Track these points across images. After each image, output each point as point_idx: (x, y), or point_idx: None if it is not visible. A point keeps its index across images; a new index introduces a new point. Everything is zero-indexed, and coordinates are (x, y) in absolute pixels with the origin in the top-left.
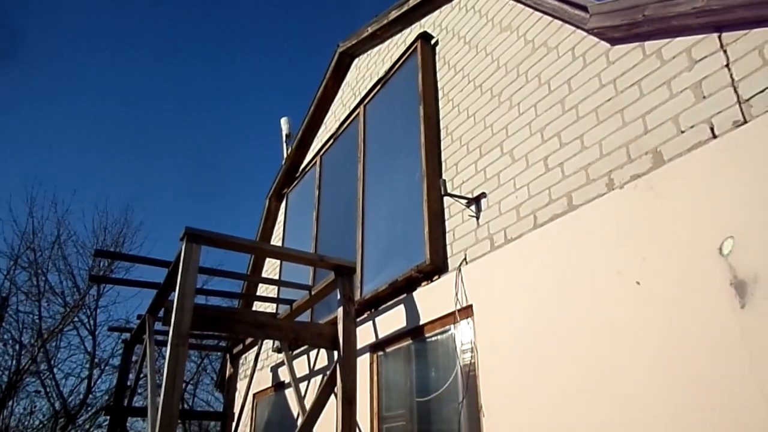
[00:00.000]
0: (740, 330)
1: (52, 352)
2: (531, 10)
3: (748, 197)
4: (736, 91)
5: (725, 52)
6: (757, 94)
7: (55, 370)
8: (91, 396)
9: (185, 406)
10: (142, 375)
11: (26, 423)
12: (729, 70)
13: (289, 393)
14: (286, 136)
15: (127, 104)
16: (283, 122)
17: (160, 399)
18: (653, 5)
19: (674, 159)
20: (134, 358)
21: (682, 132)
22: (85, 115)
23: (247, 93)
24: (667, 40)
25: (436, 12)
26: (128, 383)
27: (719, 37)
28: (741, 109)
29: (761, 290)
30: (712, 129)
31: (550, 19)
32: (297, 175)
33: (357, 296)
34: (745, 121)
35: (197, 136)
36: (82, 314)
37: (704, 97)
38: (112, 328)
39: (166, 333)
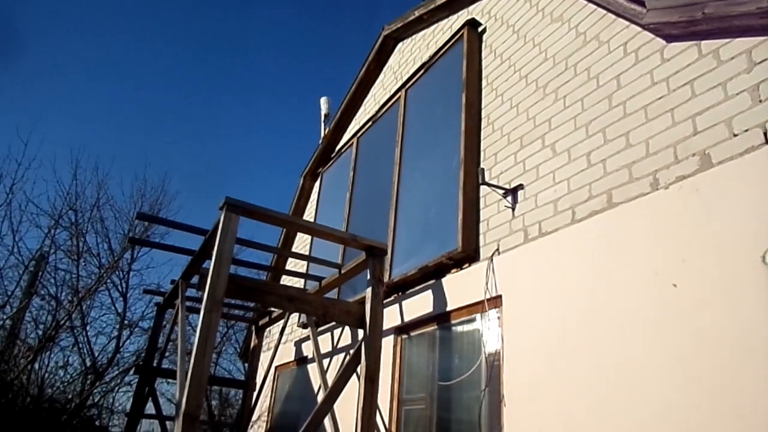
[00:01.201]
0: None
1: (86, 310)
2: (584, 2)
3: None
4: None
5: None
6: None
7: (87, 327)
8: (118, 356)
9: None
10: (171, 338)
11: (57, 377)
12: None
13: (311, 368)
14: (325, 116)
15: (163, 87)
16: (323, 102)
17: (190, 363)
18: (714, 3)
19: (724, 162)
20: (164, 322)
21: (735, 135)
22: (121, 95)
23: (288, 71)
24: (727, 40)
25: None
26: (158, 345)
27: None
28: None
29: None
30: (765, 134)
31: (604, 12)
32: (333, 155)
33: (385, 279)
34: None
35: (237, 114)
36: (115, 277)
37: (761, 101)
38: (147, 291)
39: (198, 299)
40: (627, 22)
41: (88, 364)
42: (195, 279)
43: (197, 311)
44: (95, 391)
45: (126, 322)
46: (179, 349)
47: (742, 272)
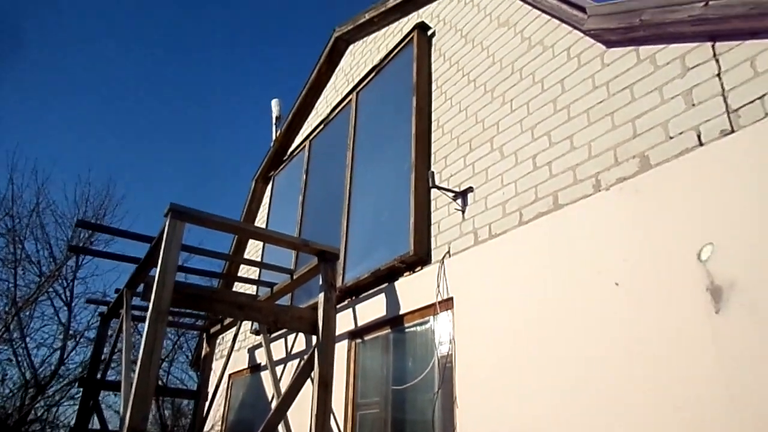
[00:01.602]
0: (713, 334)
1: (26, 321)
2: (529, 8)
3: (730, 206)
4: (725, 101)
5: (717, 61)
6: (746, 104)
7: (27, 339)
8: (63, 368)
9: (159, 383)
10: (117, 349)
11: None
12: (720, 79)
13: (265, 375)
14: (276, 118)
15: (114, 83)
16: (274, 104)
17: (135, 374)
18: (651, 10)
19: (661, 164)
20: (110, 332)
21: (671, 138)
22: (74, 92)
23: (238, 73)
24: (662, 46)
25: (435, 2)
26: (103, 357)
27: (713, 47)
28: (729, 119)
29: (736, 297)
30: (699, 137)
31: (548, 17)
32: (285, 158)
33: (338, 283)
34: (733, 131)
35: (186, 116)
36: (58, 285)
37: (694, 105)
38: (90, 300)
39: (144, 308)
40: (570, 28)
41: (29, 377)
42: (141, 287)
43: (144, 320)
44: (37, 405)
45: (71, 332)
46: (124, 361)
47: (679, 270)
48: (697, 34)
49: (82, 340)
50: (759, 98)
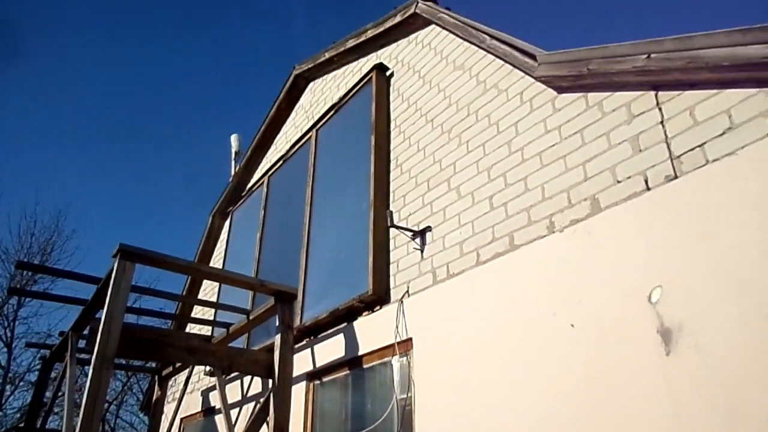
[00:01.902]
0: (664, 375)
1: None
2: (484, 53)
3: (677, 249)
4: (669, 148)
5: (660, 109)
6: (687, 151)
7: None
8: (1, 413)
9: (107, 427)
10: (60, 394)
11: None
12: (663, 126)
13: (219, 419)
14: (235, 153)
15: (67, 114)
16: (233, 139)
17: (78, 423)
18: (597, 60)
19: (611, 207)
20: (53, 374)
21: (619, 182)
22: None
23: (196, 106)
24: (609, 93)
25: (393, 45)
26: (44, 402)
27: (656, 96)
28: (673, 165)
29: (685, 338)
30: (646, 181)
31: (502, 62)
32: (243, 194)
33: (297, 322)
34: (676, 176)
35: (142, 150)
36: None
37: (641, 151)
38: (30, 344)
39: (90, 351)
40: (522, 73)
41: None
42: (87, 330)
43: (90, 363)
44: None
45: (10, 375)
46: (66, 408)
47: (631, 312)
48: (641, 84)
49: (21, 383)
50: (699, 146)
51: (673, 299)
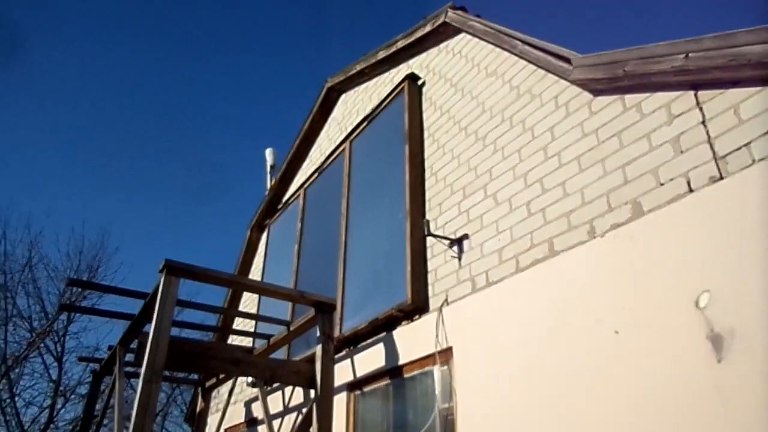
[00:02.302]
0: (715, 384)
1: (15, 379)
2: (516, 58)
3: (723, 252)
4: (712, 148)
5: (701, 109)
6: (732, 151)
7: (16, 398)
8: (52, 426)
9: None
10: (109, 406)
11: None
12: (705, 126)
13: (263, 429)
14: (271, 167)
15: (108, 135)
16: (268, 153)
17: None
18: (634, 61)
19: (653, 210)
20: (102, 387)
21: (661, 185)
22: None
23: (232, 123)
24: (647, 94)
25: (424, 54)
26: (95, 414)
27: (696, 95)
28: (717, 166)
29: (737, 344)
30: (689, 183)
31: (534, 68)
32: (279, 206)
33: (336, 333)
34: (721, 178)
35: (180, 164)
36: (49, 341)
37: (682, 152)
38: (81, 359)
39: (138, 364)
40: (557, 77)
41: None
42: (135, 343)
43: (138, 376)
44: None
45: (61, 388)
46: (116, 421)
47: (678, 317)
48: (680, 84)
49: (72, 396)
50: (745, 145)
51: (722, 304)
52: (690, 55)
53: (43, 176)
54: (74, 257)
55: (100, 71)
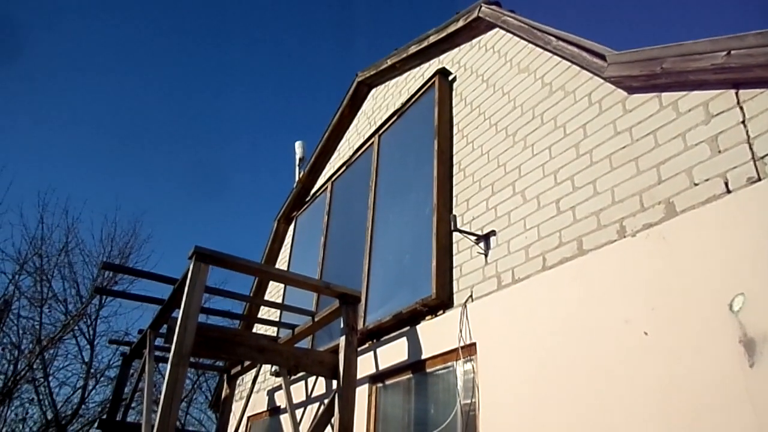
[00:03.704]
0: (747, 389)
1: (49, 359)
2: (549, 54)
3: (760, 255)
4: (751, 148)
5: (741, 108)
6: None
7: (50, 378)
8: (83, 407)
9: (178, 424)
10: (138, 389)
11: (17, 430)
12: (745, 126)
13: (285, 418)
14: (299, 159)
15: (138, 122)
16: (297, 146)
17: (156, 417)
18: (672, 59)
19: (687, 211)
20: (131, 371)
21: (696, 185)
22: (96, 127)
23: (262, 115)
24: (684, 92)
25: (455, 50)
26: (123, 397)
27: (736, 94)
28: (756, 166)
29: None
30: (726, 184)
31: (568, 64)
32: (307, 199)
33: (360, 325)
34: (759, 179)
35: (210, 155)
36: (82, 323)
37: (720, 152)
38: (112, 341)
39: (166, 349)
40: (590, 74)
41: (50, 417)
42: (164, 328)
43: (166, 361)
44: None
45: (92, 371)
46: (145, 403)
47: (710, 320)
48: (720, 82)
49: (102, 378)
50: None
51: (756, 308)
52: (732, 52)
53: (79, 163)
54: (107, 244)
55: (133, 59)
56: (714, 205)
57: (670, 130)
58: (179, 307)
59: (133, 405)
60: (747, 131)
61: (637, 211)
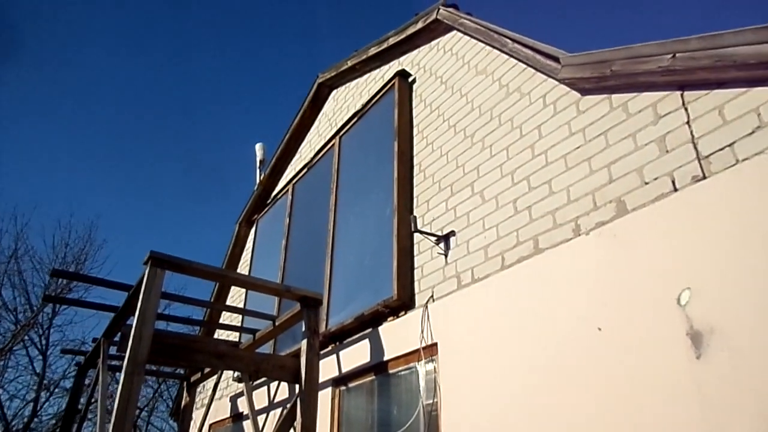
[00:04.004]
0: (694, 379)
1: None
2: (506, 57)
3: (706, 251)
4: (696, 148)
5: (687, 109)
6: (716, 151)
7: (0, 390)
8: (36, 419)
9: None
10: (93, 400)
11: None
12: (690, 127)
13: (248, 425)
14: (260, 162)
15: (95, 127)
16: (258, 148)
17: (110, 429)
18: (621, 61)
19: (637, 209)
20: (87, 381)
21: (646, 183)
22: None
23: (221, 117)
24: (634, 94)
25: (415, 51)
26: (79, 408)
27: (682, 95)
28: (701, 165)
29: (716, 342)
30: (673, 182)
31: (524, 66)
32: (268, 201)
33: (322, 328)
34: (704, 177)
35: (170, 159)
36: (34, 333)
37: (667, 151)
38: (65, 351)
39: (122, 357)
40: (545, 76)
41: (0, 430)
42: (119, 337)
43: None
44: None
45: (45, 382)
46: (99, 414)
47: (659, 314)
48: (666, 84)
49: (56, 390)
50: (729, 145)
51: (703, 302)
52: (677, 55)
53: (29, 167)
54: (60, 249)
55: (88, 68)
56: (662, 203)
57: (621, 131)
58: (134, 314)
59: (89, 416)
60: (692, 131)
61: (590, 210)
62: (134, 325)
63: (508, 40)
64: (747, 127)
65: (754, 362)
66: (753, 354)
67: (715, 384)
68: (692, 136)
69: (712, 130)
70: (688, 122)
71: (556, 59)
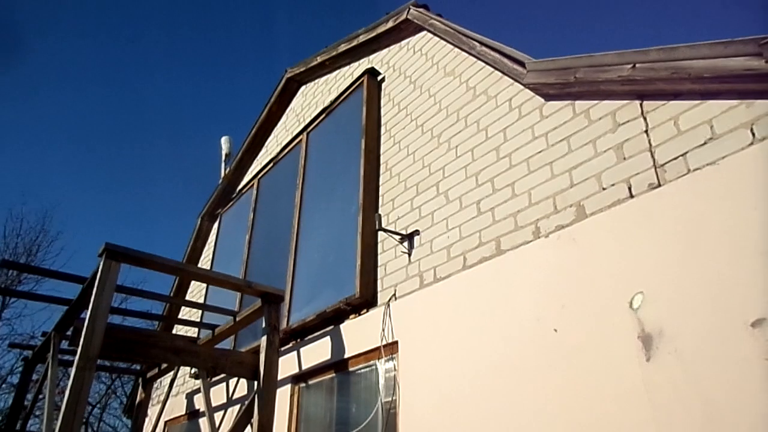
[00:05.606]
0: (644, 381)
1: None
2: (474, 59)
3: (658, 256)
4: (653, 156)
5: (645, 119)
6: (670, 160)
7: None
8: None
9: (90, 431)
10: (41, 396)
11: None
12: (648, 135)
13: (204, 422)
14: (226, 155)
15: (54, 115)
16: (224, 141)
17: (57, 425)
18: (584, 68)
19: (595, 214)
20: (35, 376)
21: (604, 189)
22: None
23: (186, 109)
24: (596, 101)
25: (385, 50)
26: (25, 404)
27: (641, 105)
28: (656, 173)
29: (665, 344)
30: (630, 189)
31: (491, 69)
32: (233, 196)
33: (284, 325)
34: (660, 185)
35: (130, 151)
36: None
37: (625, 159)
38: (13, 345)
39: (73, 352)
40: (511, 80)
41: None
42: (71, 331)
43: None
44: None
45: None
46: (46, 410)
47: (612, 317)
48: (626, 93)
49: (4, 386)
50: (682, 155)
51: (654, 305)
52: (637, 65)
53: None
54: (11, 240)
55: (43, 53)
56: (618, 209)
57: (582, 137)
58: (87, 308)
59: (36, 413)
60: (649, 140)
61: (551, 213)
62: (87, 319)
63: (476, 43)
64: (700, 137)
65: (700, 365)
66: (699, 357)
67: (663, 386)
68: (650, 144)
69: (667, 140)
70: (646, 131)
71: (522, 64)
